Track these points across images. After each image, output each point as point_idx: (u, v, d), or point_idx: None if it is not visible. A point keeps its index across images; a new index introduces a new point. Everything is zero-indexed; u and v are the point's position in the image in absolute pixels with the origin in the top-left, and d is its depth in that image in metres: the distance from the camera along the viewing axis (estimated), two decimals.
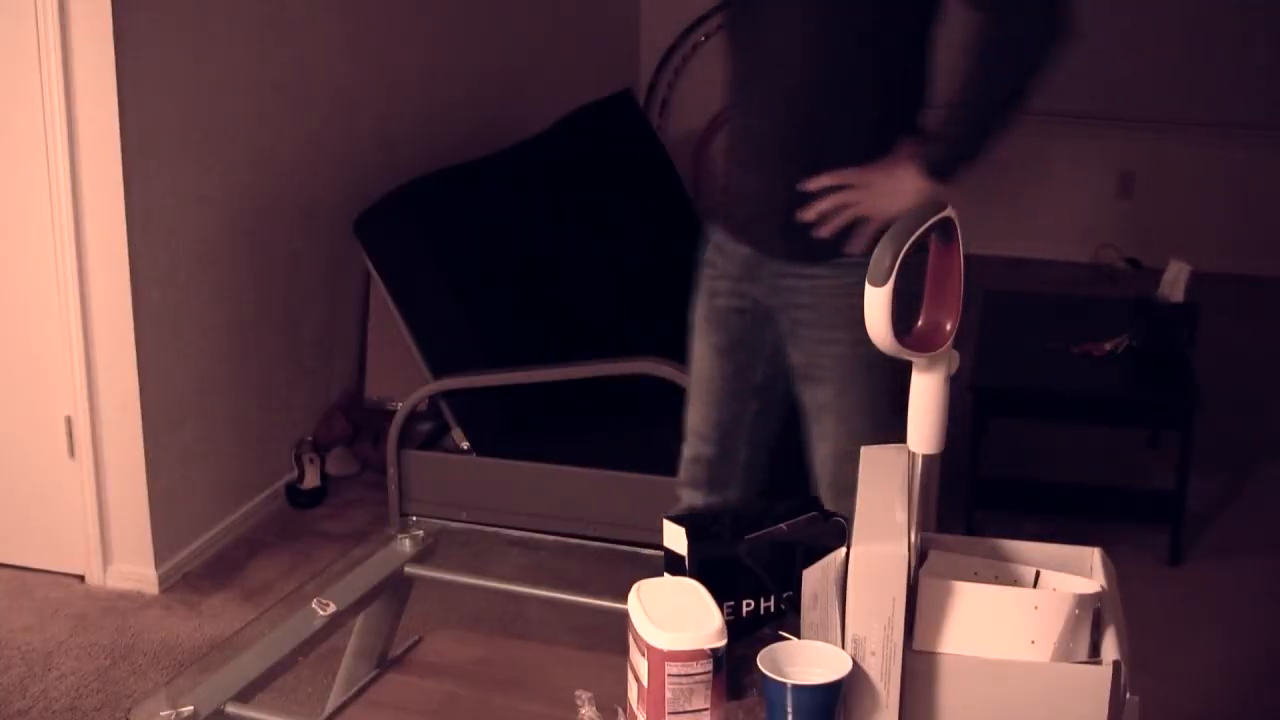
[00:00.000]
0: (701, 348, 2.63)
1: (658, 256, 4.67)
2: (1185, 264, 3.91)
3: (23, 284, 3.38)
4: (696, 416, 2.67)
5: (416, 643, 1.83)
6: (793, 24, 2.41)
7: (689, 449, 2.69)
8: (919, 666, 1.36)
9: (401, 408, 3.62)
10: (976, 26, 2.33)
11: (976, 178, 2.44)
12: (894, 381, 2.48)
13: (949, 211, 1.35)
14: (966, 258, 1.38)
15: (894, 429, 2.51)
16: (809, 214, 2.40)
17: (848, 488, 2.55)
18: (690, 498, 2.72)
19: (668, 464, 3.41)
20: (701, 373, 2.64)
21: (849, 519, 2.51)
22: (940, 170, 2.38)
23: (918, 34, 2.41)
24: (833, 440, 2.53)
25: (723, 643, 1.35)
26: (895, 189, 2.37)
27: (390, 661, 1.79)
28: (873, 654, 1.35)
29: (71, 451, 3.45)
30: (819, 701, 1.32)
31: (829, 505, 2.55)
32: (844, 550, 1.36)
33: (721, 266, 2.57)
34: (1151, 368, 3.84)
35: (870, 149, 2.41)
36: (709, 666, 1.35)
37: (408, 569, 1.85)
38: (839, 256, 2.41)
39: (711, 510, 2.65)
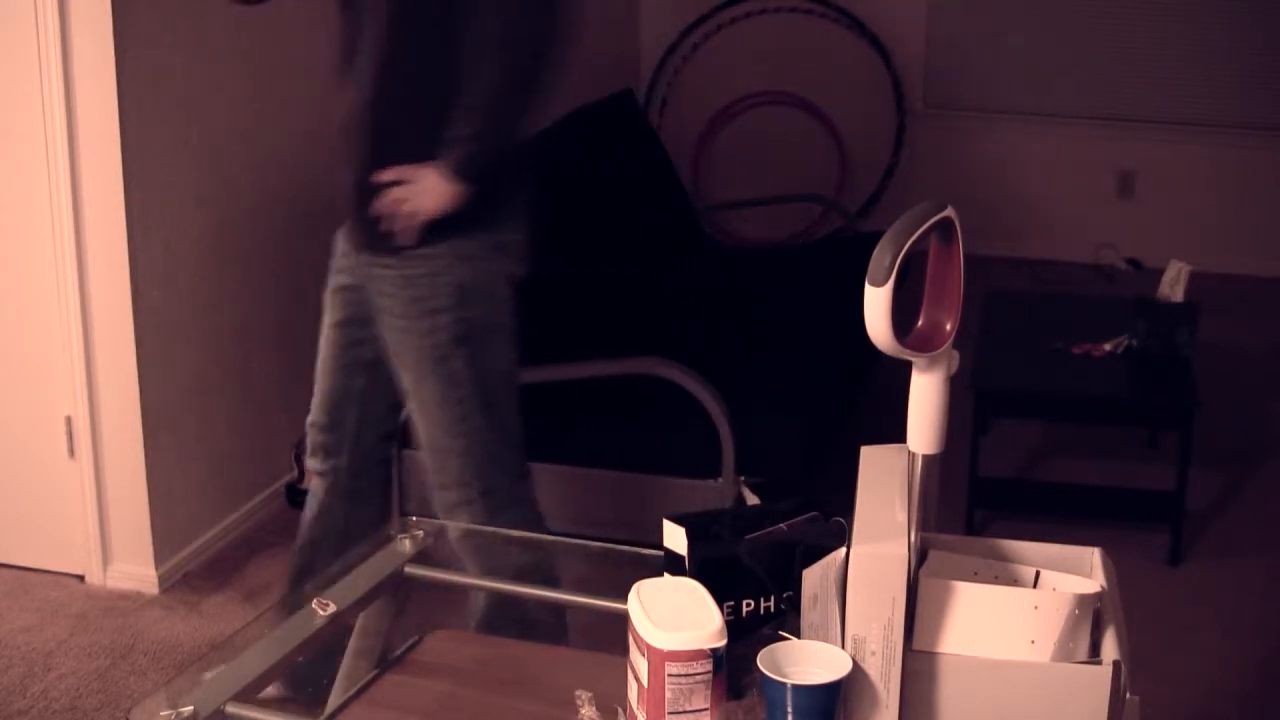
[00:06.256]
0: (324, 322, 2.77)
1: (657, 256, 4.67)
2: (1185, 264, 3.91)
3: (23, 284, 3.38)
4: (316, 385, 2.82)
5: (416, 643, 1.83)
6: (378, 9, 2.51)
7: (310, 415, 2.84)
8: (919, 666, 1.36)
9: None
10: (476, 31, 2.43)
11: (506, 179, 2.54)
12: (474, 372, 2.60)
13: (949, 211, 1.35)
14: (966, 258, 1.38)
15: (473, 420, 2.63)
16: (377, 208, 2.53)
17: (452, 480, 2.67)
18: (310, 464, 2.87)
19: (668, 464, 3.42)
20: (321, 345, 2.79)
21: (469, 501, 2.63)
22: (462, 170, 2.47)
23: (456, 35, 2.47)
24: (422, 430, 2.68)
25: (723, 643, 1.35)
26: (429, 188, 2.48)
27: (390, 661, 1.79)
28: (873, 654, 1.35)
29: (71, 451, 3.45)
30: (819, 701, 1.32)
31: (440, 496, 2.70)
32: (844, 550, 1.36)
33: (341, 246, 2.72)
34: (1151, 368, 3.84)
35: (424, 146, 2.50)
36: (709, 666, 1.35)
37: (408, 569, 1.85)
38: (404, 249, 2.55)
39: (710, 512, 2.68)
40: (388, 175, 2.51)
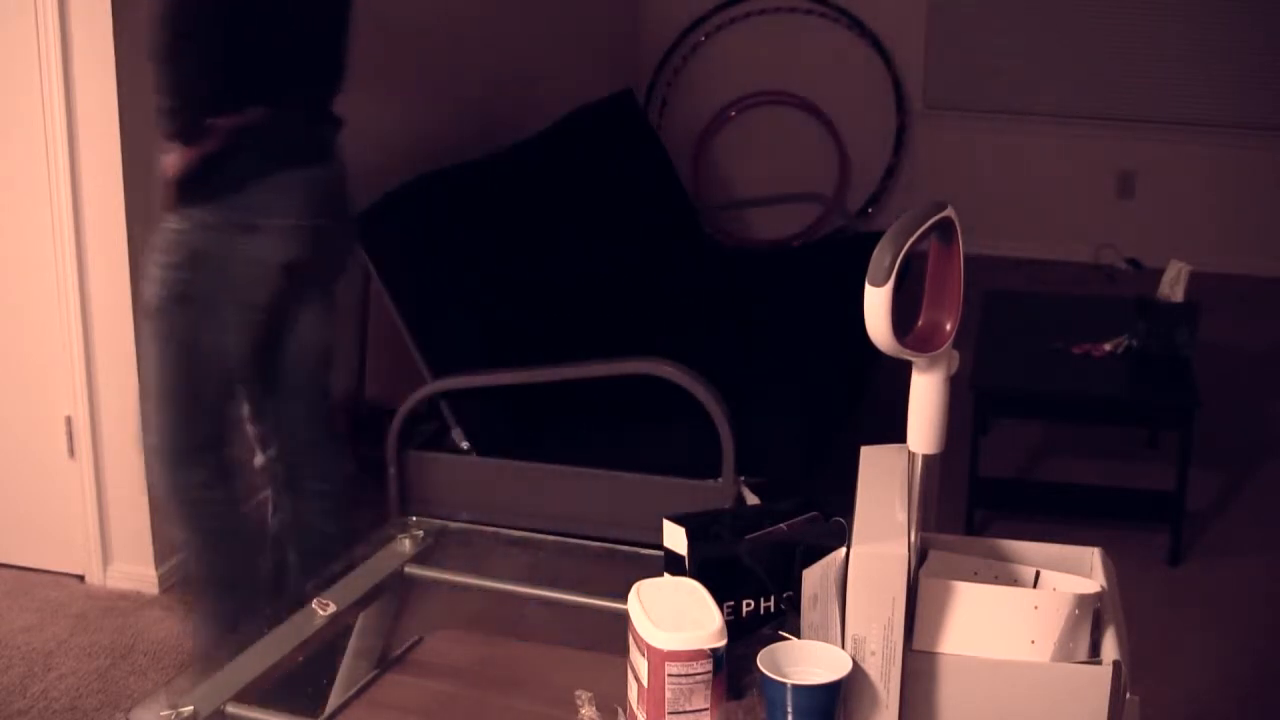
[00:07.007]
0: None
1: (657, 256, 4.67)
2: (1185, 264, 3.91)
3: (23, 284, 3.38)
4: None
5: (416, 643, 1.83)
6: None
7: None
8: (919, 666, 1.36)
9: (401, 408, 3.62)
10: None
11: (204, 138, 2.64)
12: (183, 333, 2.71)
13: (949, 211, 1.35)
14: (966, 258, 1.38)
15: (169, 377, 2.76)
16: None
17: (146, 424, 2.82)
18: (255, 461, 3.03)
19: (668, 464, 3.41)
20: None
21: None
22: (169, 136, 2.65)
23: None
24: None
25: (723, 643, 1.35)
26: (166, 153, 2.67)
27: (390, 661, 1.79)
28: (873, 654, 1.35)
29: (71, 451, 3.45)
30: (819, 701, 1.32)
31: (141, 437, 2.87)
32: (844, 550, 1.36)
33: None
34: (1151, 368, 3.84)
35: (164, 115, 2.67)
36: (709, 666, 1.35)
37: (408, 569, 1.85)
38: (171, 209, 2.72)
39: (710, 512, 2.69)
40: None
